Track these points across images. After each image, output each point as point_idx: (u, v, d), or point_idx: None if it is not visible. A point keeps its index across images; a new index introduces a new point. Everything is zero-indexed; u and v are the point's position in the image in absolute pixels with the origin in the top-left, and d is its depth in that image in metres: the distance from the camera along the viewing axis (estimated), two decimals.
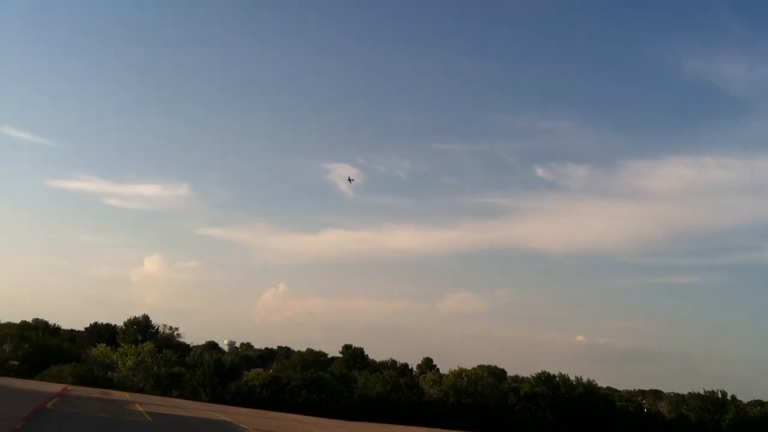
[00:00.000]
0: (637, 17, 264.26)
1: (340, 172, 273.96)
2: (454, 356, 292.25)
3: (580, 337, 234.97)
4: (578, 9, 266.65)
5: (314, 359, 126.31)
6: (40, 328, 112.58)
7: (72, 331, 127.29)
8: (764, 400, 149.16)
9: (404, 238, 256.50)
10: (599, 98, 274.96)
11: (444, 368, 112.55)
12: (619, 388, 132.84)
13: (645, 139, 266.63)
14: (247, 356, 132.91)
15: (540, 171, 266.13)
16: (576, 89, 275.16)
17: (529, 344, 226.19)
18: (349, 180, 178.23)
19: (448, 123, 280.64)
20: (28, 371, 73.57)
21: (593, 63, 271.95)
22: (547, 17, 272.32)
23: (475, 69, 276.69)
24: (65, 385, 49.44)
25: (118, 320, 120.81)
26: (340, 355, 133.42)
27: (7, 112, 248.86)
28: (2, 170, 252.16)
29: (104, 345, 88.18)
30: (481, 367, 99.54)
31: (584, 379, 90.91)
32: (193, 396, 71.51)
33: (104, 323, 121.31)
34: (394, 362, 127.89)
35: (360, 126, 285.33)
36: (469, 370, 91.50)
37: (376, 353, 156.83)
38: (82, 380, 66.71)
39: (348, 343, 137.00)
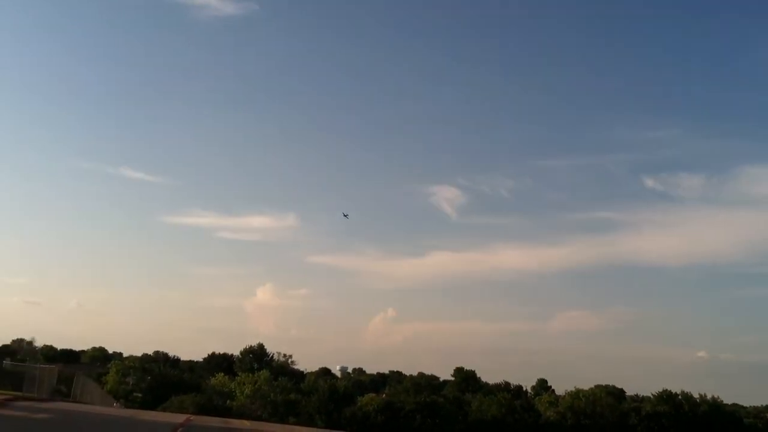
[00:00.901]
0: (744, 18, 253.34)
1: (444, 194, 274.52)
2: (569, 376, 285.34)
3: (701, 353, 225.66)
4: (683, 13, 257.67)
5: (427, 383, 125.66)
6: (160, 360, 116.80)
7: (191, 361, 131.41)
8: None
9: (512, 258, 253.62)
10: (709, 103, 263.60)
11: (559, 389, 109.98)
12: (745, 405, 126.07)
13: (760, 143, 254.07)
14: (359, 381, 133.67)
15: (650, 182, 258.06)
16: (684, 96, 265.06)
17: (647, 362, 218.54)
18: (345, 216, 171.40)
19: (551, 139, 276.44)
20: (151, 402, 76.00)
21: (701, 68, 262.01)
22: (649, 23, 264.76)
23: (577, 82, 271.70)
24: (188, 415, 50.58)
25: (234, 350, 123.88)
26: (453, 378, 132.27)
27: (124, 154, 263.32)
28: (120, 209, 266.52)
29: (222, 374, 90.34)
30: (598, 386, 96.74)
31: (708, 396, 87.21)
32: (309, 422, 71.98)
33: (221, 353, 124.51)
34: (507, 384, 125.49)
35: (461, 147, 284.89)
36: (587, 391, 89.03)
37: (488, 375, 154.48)
38: (202, 409, 68.08)
39: (459, 365, 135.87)
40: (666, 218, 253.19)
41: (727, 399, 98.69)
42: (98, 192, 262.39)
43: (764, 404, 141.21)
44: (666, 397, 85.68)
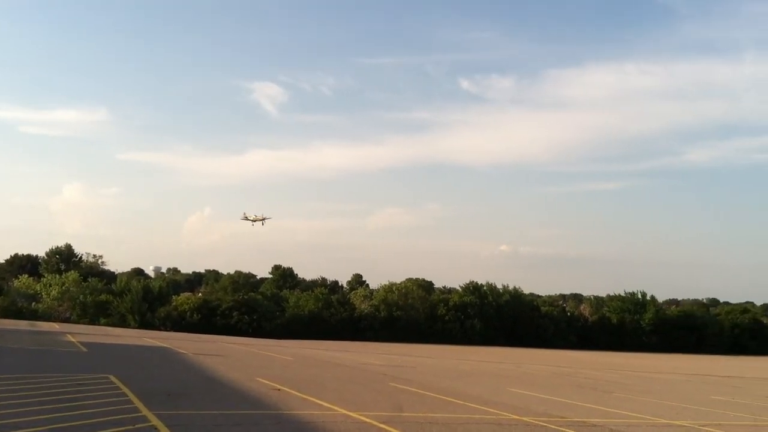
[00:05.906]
0: None
1: (264, 91, 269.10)
2: (384, 271, 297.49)
3: (503, 246, 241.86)
4: None
5: (244, 281, 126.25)
6: None
7: None
8: (679, 298, 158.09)
9: (332, 157, 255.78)
10: (523, 7, 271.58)
11: (374, 283, 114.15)
12: (541, 294, 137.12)
13: (569, 47, 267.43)
14: (174, 281, 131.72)
15: (465, 83, 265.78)
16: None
17: (455, 256, 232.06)
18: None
19: (374, 37, 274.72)
20: None
21: None
22: None
23: None
24: None
25: (39, 250, 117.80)
26: (270, 276, 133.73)
27: None
28: None
29: (26, 276, 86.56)
30: (410, 280, 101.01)
31: (510, 287, 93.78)
32: (122, 323, 70.83)
33: (25, 254, 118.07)
34: (324, 280, 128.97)
35: (283, 42, 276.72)
36: (399, 284, 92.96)
37: (306, 272, 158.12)
38: (5, 313, 65.31)
39: (277, 263, 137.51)
40: (478, 119, 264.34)
41: (526, 289, 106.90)
42: None
43: (558, 293, 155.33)
44: (472, 288, 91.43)
